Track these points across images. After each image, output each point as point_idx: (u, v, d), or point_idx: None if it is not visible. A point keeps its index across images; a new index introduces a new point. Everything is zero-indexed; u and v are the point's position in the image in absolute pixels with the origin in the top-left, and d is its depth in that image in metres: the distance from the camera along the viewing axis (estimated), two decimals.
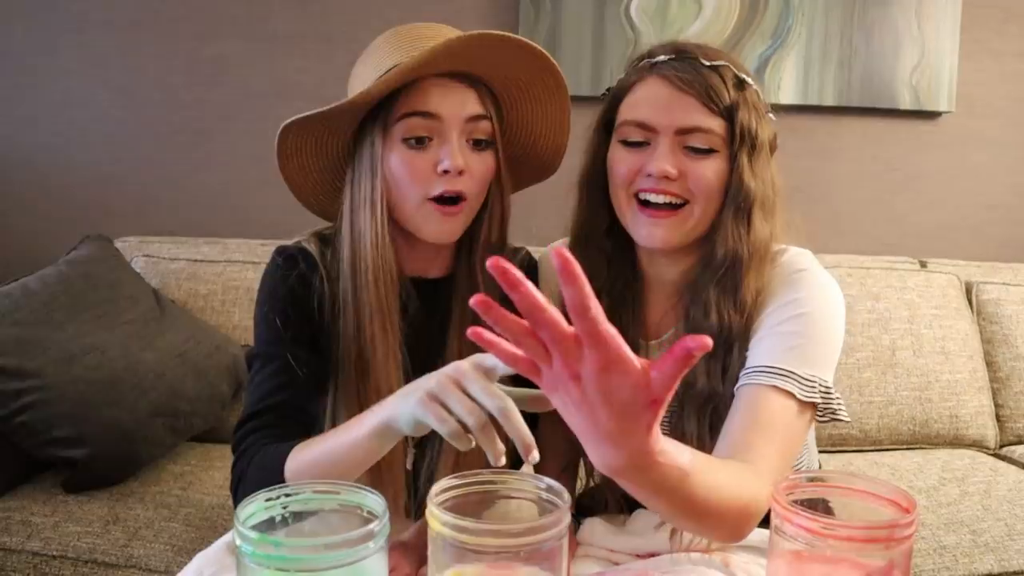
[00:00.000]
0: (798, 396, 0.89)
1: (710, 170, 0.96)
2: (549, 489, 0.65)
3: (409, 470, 1.05)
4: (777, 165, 1.02)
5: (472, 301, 0.55)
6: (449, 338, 1.05)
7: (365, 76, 1.00)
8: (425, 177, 0.98)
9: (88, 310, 1.57)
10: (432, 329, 1.06)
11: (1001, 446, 1.93)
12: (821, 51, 2.14)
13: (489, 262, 0.53)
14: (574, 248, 1.07)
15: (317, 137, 1.03)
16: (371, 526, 0.58)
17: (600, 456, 0.62)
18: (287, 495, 0.64)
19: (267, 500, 0.63)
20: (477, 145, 1.00)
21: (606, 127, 1.04)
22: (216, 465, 1.61)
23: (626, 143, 0.99)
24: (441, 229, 1.00)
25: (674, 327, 1.05)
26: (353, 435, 0.86)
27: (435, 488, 0.63)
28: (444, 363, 0.81)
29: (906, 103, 2.19)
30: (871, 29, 2.15)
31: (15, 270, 1.71)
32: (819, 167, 2.24)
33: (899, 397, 1.86)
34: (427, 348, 1.04)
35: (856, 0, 2.13)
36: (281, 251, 1.07)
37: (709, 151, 0.96)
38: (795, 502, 0.65)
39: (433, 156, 0.98)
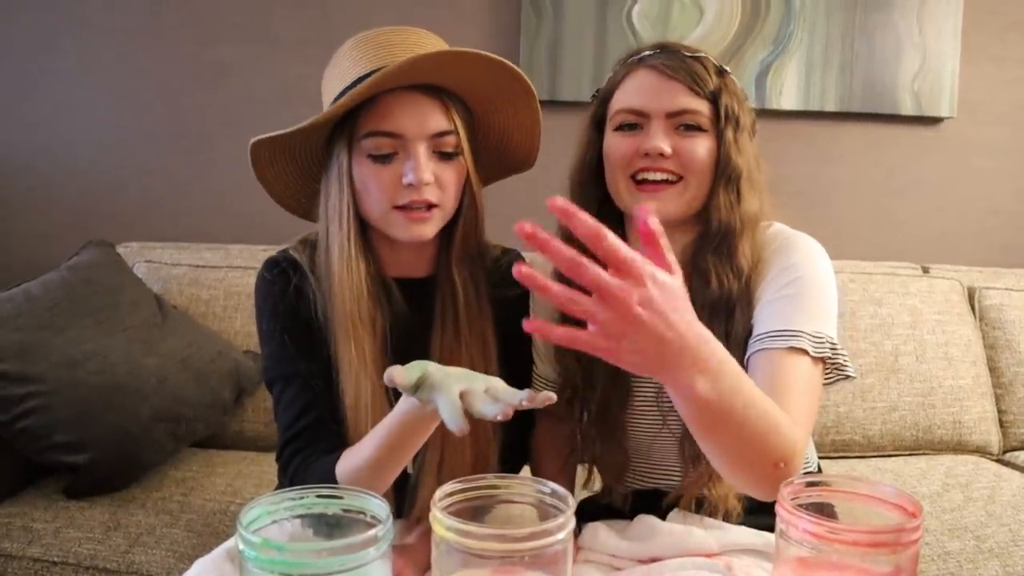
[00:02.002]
0: (811, 352, 0.92)
1: (701, 147, 1.01)
2: (553, 494, 0.65)
3: (409, 473, 1.05)
4: (760, 151, 1.07)
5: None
6: (432, 336, 1.06)
7: (332, 85, 1.02)
8: (392, 189, 0.99)
9: (90, 315, 1.57)
10: (420, 327, 1.07)
11: (1004, 452, 1.93)
12: (822, 57, 2.14)
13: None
14: (565, 242, 1.08)
15: (290, 148, 1.05)
16: (374, 531, 0.58)
17: (681, 367, 0.67)
18: (291, 499, 0.64)
19: (271, 504, 0.63)
20: (444, 156, 1.01)
21: (597, 125, 1.08)
22: (218, 471, 1.60)
23: (621, 128, 1.04)
24: (411, 232, 1.01)
25: None
26: (388, 426, 0.88)
27: (439, 492, 0.62)
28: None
29: (908, 109, 2.19)
30: (872, 35, 2.15)
31: (17, 275, 1.71)
32: (820, 173, 2.24)
33: (902, 403, 1.86)
34: (415, 346, 1.04)
35: (857, 6, 2.14)
36: (270, 264, 1.08)
37: (699, 129, 1.02)
38: (800, 506, 0.65)
39: (398, 169, 0.99)
